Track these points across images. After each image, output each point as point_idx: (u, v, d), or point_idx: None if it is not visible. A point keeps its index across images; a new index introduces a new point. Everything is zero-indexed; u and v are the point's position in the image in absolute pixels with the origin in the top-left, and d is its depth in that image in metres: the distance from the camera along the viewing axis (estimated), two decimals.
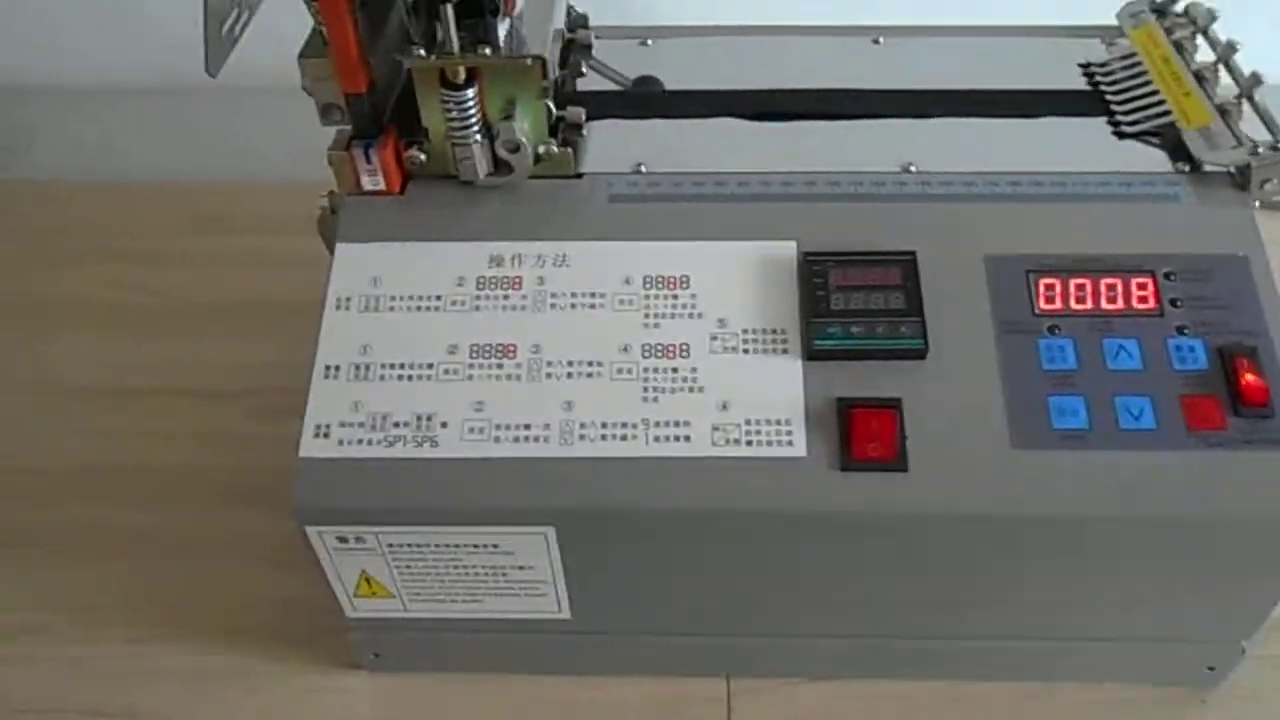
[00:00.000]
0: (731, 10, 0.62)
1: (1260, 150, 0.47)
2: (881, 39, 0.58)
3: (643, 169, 0.50)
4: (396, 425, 0.44)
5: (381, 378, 0.45)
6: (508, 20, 0.46)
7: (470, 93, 0.46)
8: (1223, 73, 0.51)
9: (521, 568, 0.45)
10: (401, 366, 0.45)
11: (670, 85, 0.55)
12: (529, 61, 0.45)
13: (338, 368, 0.45)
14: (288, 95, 0.50)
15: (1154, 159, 0.50)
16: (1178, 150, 0.49)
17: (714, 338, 0.45)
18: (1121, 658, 0.50)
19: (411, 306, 0.46)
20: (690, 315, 0.46)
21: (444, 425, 0.44)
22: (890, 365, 0.44)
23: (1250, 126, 0.49)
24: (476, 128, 0.47)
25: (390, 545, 0.44)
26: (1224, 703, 0.51)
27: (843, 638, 0.49)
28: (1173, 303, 0.45)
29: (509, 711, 0.51)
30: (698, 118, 0.53)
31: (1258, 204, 0.47)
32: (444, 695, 0.52)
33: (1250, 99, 0.50)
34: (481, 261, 0.47)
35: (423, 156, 0.49)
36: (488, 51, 0.45)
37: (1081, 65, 0.55)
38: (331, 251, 0.49)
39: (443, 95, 0.46)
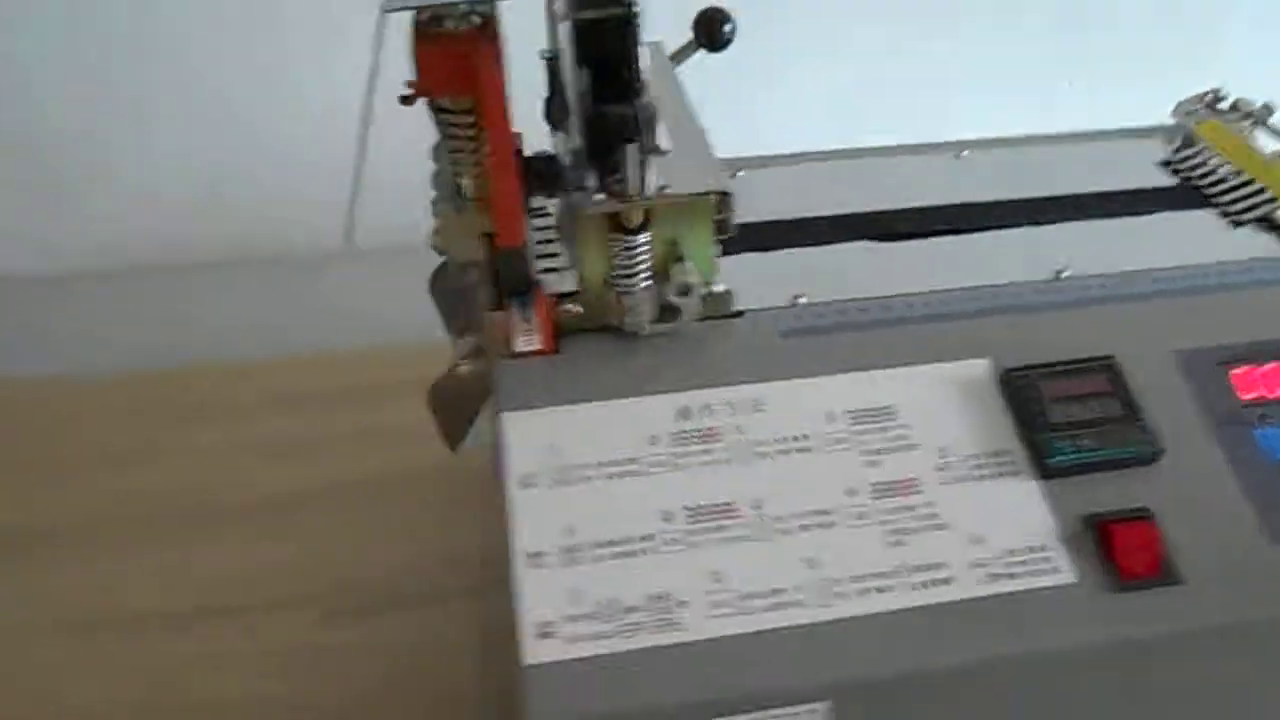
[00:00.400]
0: (786, 139, 0.62)
1: None
2: (965, 153, 0.58)
3: (801, 300, 0.48)
4: (630, 611, 0.39)
5: (597, 559, 0.40)
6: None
7: (644, 237, 0.43)
8: None
9: None
10: (617, 543, 0.40)
11: (772, 216, 0.53)
12: (712, 196, 0.42)
13: (542, 554, 0.40)
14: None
15: (1274, 243, 0.51)
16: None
17: (940, 469, 0.42)
18: None
19: (607, 474, 0.42)
20: (907, 447, 0.43)
21: (682, 604, 0.39)
22: (1124, 474, 0.42)
23: None
24: (646, 273, 0.43)
25: None
26: None
27: None
28: None
29: None
30: (829, 244, 0.51)
31: None
32: None
33: None
34: (668, 416, 0.43)
35: (577, 309, 0.45)
36: (669, 189, 0.42)
37: (1162, 163, 0.57)
38: (450, 424, 0.44)
39: (614, 241, 0.43)
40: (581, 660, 0.38)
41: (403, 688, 0.54)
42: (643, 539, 0.40)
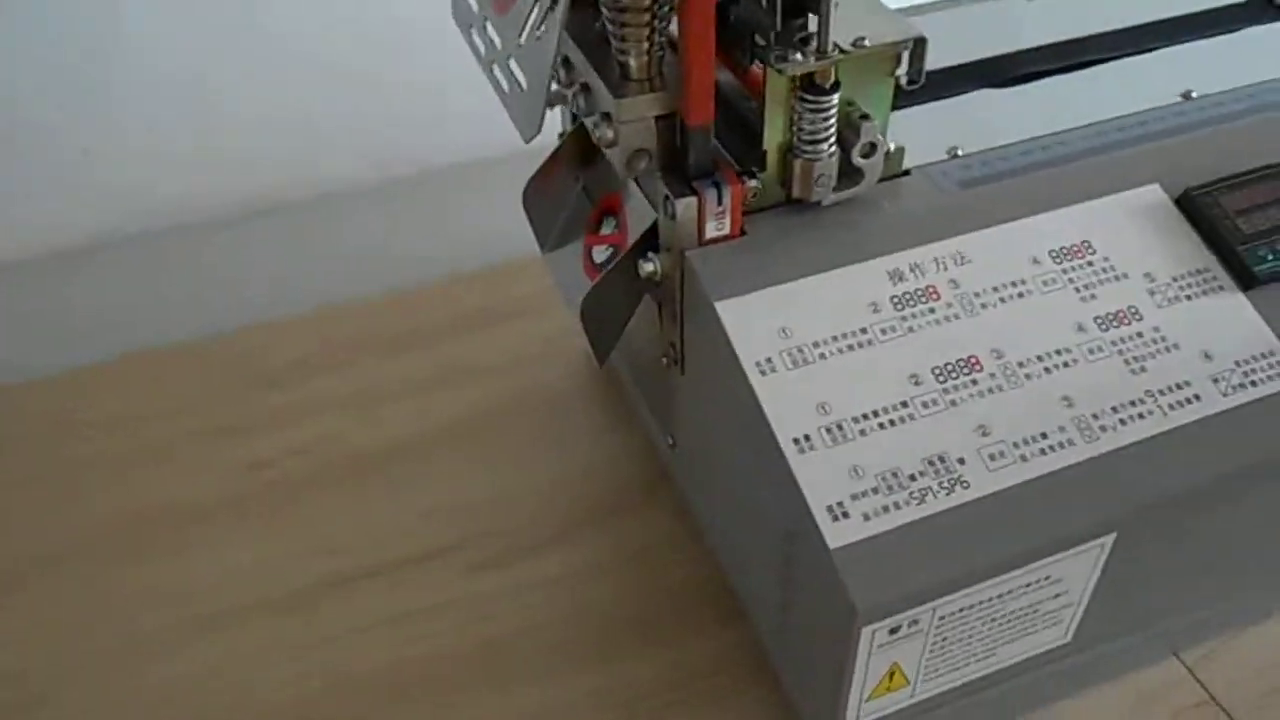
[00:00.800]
0: None
1: None
2: None
3: (959, 152, 0.46)
4: (914, 478, 0.37)
5: (863, 432, 0.38)
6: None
7: (836, 96, 0.40)
8: None
9: (1058, 595, 0.40)
10: (877, 414, 0.39)
11: None
12: (907, 45, 0.40)
13: (807, 437, 0.38)
14: None
15: None
16: None
17: (1152, 293, 0.42)
18: None
19: (844, 348, 0.40)
20: (1116, 278, 0.42)
21: (962, 461, 0.38)
22: None
23: None
24: (835, 137, 0.41)
25: (943, 618, 0.38)
26: None
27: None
28: None
29: None
30: (957, 95, 0.50)
31: None
32: None
33: None
34: (882, 281, 0.42)
35: (759, 185, 0.42)
36: (866, 41, 0.39)
37: None
38: (602, 335, 0.42)
39: (805, 103, 0.40)
40: (885, 534, 0.36)
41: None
42: (900, 405, 0.39)
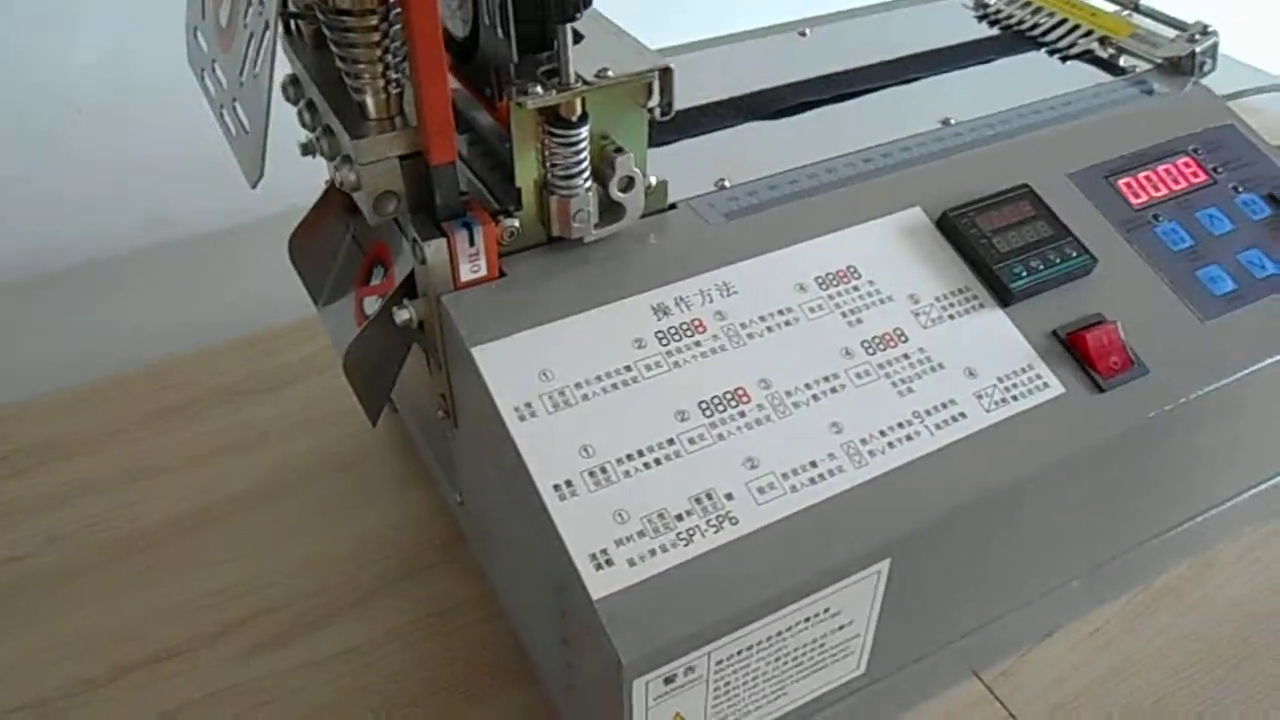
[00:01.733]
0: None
1: (1196, 37, 0.54)
2: (806, 30, 0.59)
3: (726, 184, 0.46)
4: (680, 518, 0.36)
5: (628, 474, 0.36)
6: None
7: (585, 130, 0.39)
8: None
9: (841, 627, 0.39)
10: (642, 454, 0.37)
11: None
12: (653, 76, 0.39)
13: (569, 483, 0.36)
14: None
15: (1099, 73, 0.56)
16: (1098, 60, 0.56)
17: (916, 315, 0.42)
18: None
19: (607, 387, 0.38)
20: (881, 301, 0.42)
21: (729, 497, 0.37)
22: (1070, 288, 0.44)
23: None
24: (588, 172, 0.40)
25: (720, 662, 0.36)
26: None
27: (1068, 581, 0.48)
28: (1214, 171, 0.50)
29: None
30: (724, 129, 0.50)
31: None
32: None
33: (1137, 8, 0.58)
34: (646, 317, 0.40)
35: (516, 224, 0.41)
36: (610, 72, 0.38)
37: (979, 15, 0.60)
38: (371, 391, 0.40)
39: (554, 137, 0.39)
40: (651, 580, 0.35)
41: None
42: (666, 443, 0.37)
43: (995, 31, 0.59)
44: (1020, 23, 0.59)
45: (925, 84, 0.54)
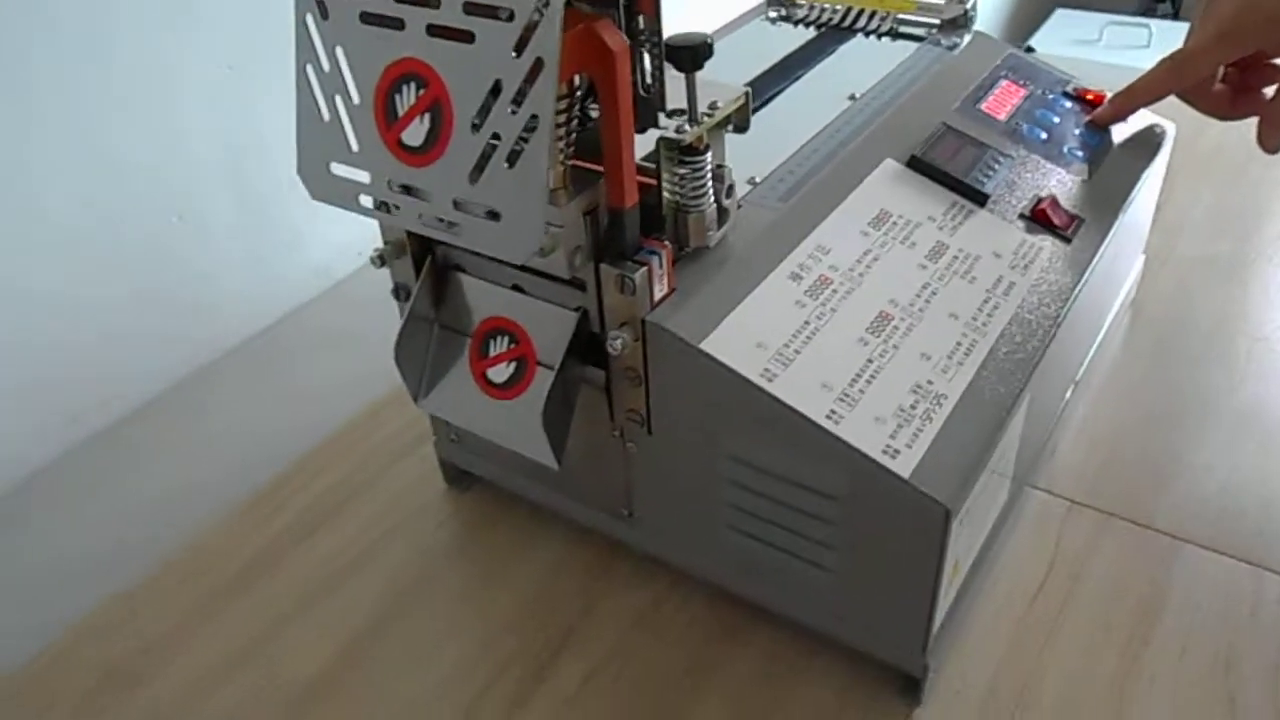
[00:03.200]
0: None
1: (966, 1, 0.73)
2: None
3: (756, 179, 0.57)
4: (914, 406, 0.47)
5: (861, 392, 0.47)
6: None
7: (710, 155, 0.48)
8: None
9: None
10: (860, 375, 0.47)
11: None
12: (744, 101, 0.49)
13: (833, 412, 0.45)
14: None
15: (909, 43, 0.73)
16: (901, 34, 0.74)
17: (941, 229, 0.56)
18: None
19: (804, 339, 0.48)
20: (917, 226, 0.56)
21: (930, 382, 0.48)
22: (1005, 182, 0.60)
23: None
24: (711, 189, 0.49)
25: (975, 498, 0.47)
26: None
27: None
28: (1026, 85, 0.69)
29: None
30: None
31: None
32: None
33: None
34: (789, 285, 0.50)
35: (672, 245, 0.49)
36: (718, 104, 0.48)
37: (793, 23, 0.76)
38: None
39: (685, 165, 0.48)
40: (927, 451, 0.45)
41: None
42: (867, 363, 0.48)
43: (814, 32, 0.75)
44: (830, 20, 0.75)
45: (814, 73, 0.68)
